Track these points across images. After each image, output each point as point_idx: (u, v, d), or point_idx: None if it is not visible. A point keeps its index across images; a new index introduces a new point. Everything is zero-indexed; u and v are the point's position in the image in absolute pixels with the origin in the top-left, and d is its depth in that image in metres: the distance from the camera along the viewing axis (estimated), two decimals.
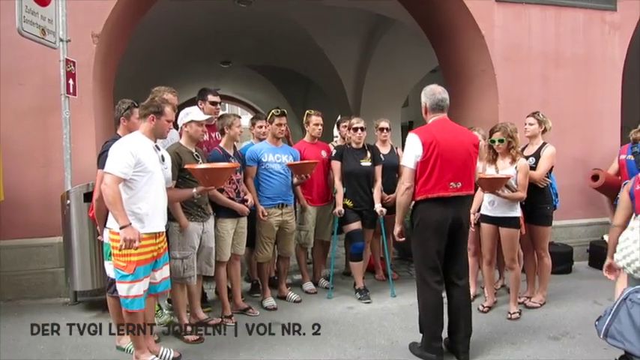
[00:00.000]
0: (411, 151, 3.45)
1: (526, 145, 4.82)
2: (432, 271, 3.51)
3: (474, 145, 3.55)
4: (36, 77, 4.94)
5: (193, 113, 3.95)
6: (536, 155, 4.65)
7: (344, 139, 5.46)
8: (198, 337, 3.94)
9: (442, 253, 3.53)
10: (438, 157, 3.37)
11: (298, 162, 4.82)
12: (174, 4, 7.39)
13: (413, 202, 3.59)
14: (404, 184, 3.56)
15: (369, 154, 5.10)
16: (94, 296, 4.85)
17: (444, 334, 3.63)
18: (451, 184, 3.41)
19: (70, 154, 4.75)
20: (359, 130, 5.07)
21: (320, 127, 5.20)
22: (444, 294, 3.62)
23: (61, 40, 4.70)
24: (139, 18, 5.99)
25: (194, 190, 3.74)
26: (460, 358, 3.57)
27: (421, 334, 3.67)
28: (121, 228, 3.08)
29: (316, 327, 4.22)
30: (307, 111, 5.32)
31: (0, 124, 4.84)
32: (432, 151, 3.38)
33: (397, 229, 3.77)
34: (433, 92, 3.58)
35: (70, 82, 4.72)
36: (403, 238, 3.81)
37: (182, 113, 3.96)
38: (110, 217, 3.28)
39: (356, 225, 4.99)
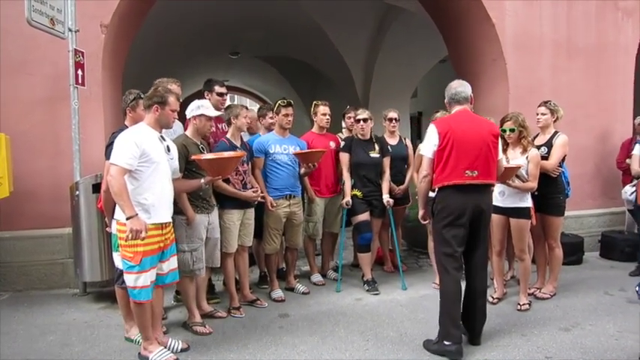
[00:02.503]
0: (429, 141, 3.59)
1: (537, 135, 4.76)
2: (450, 258, 3.56)
3: (493, 135, 3.60)
4: (45, 67, 4.94)
5: (205, 107, 3.92)
6: (549, 144, 4.60)
7: (350, 130, 5.42)
8: (208, 331, 3.93)
9: (461, 241, 3.57)
10: (454, 145, 3.46)
11: (305, 150, 4.79)
12: None
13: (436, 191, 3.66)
14: (422, 172, 3.70)
15: (377, 146, 5.06)
16: (103, 287, 4.88)
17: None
18: (467, 172, 3.47)
19: (79, 145, 4.76)
20: (361, 121, 5.04)
21: (328, 117, 5.16)
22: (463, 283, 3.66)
23: (70, 30, 4.69)
24: (147, 8, 5.96)
25: (202, 180, 3.73)
26: (473, 341, 3.66)
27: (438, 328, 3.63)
28: (127, 219, 3.08)
29: (324, 319, 4.21)
30: (315, 102, 5.29)
31: (9, 115, 4.86)
32: (448, 140, 3.48)
33: (421, 212, 3.91)
34: (449, 87, 3.72)
35: (79, 72, 4.72)
36: (427, 221, 3.93)
37: (193, 105, 3.92)
38: (117, 208, 3.28)
39: (364, 216, 4.97)
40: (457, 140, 3.47)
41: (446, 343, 3.49)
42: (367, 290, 4.92)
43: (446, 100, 3.74)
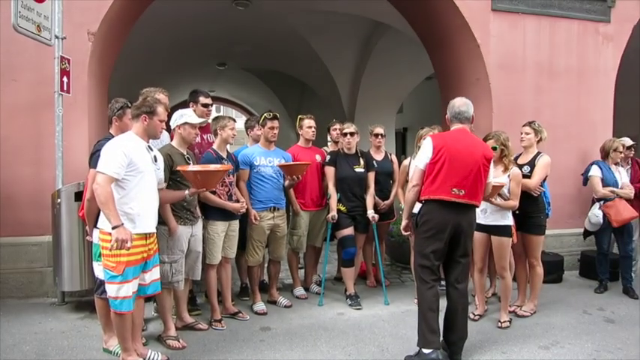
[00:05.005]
0: (424, 153, 3.67)
1: (520, 154, 4.85)
2: (427, 270, 3.62)
3: (485, 158, 3.66)
4: (30, 74, 4.90)
5: (188, 115, 3.92)
6: (531, 164, 4.68)
7: (336, 143, 5.45)
8: (181, 345, 3.87)
9: (439, 255, 3.62)
10: (446, 161, 3.53)
11: (289, 163, 4.80)
12: (170, 5, 7.37)
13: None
14: (412, 182, 3.76)
15: (362, 161, 5.10)
16: (82, 297, 4.80)
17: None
18: (454, 189, 3.52)
19: (62, 152, 4.71)
20: (348, 135, 5.08)
21: (313, 129, 5.18)
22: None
23: (57, 37, 4.66)
24: (135, 17, 5.96)
25: (186, 191, 3.72)
26: (453, 358, 3.66)
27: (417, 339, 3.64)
28: (113, 228, 3.06)
29: (306, 333, 4.20)
30: (299, 115, 5.31)
31: None
32: (441, 155, 3.55)
33: (403, 223, 3.97)
34: (452, 105, 3.80)
35: (65, 79, 4.68)
36: (408, 232, 4.00)
37: (176, 115, 3.93)
38: (101, 217, 3.25)
39: (348, 231, 4.99)
40: (450, 157, 3.53)
41: (425, 351, 3.50)
42: (350, 305, 4.92)
43: (448, 116, 3.81)
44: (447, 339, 3.72)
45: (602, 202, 5.39)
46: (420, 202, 3.71)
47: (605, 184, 5.42)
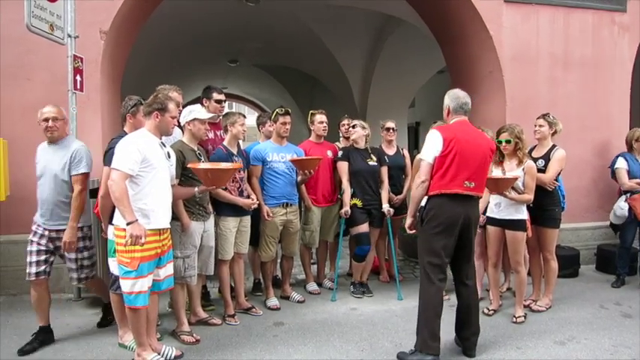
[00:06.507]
0: (432, 146, 3.51)
1: (534, 147, 4.79)
2: (437, 268, 3.52)
3: (490, 149, 3.63)
4: (44, 73, 4.95)
5: (196, 111, 3.94)
6: (546, 158, 4.62)
7: (346, 138, 5.44)
8: (195, 339, 3.90)
9: (449, 252, 3.55)
10: (457, 154, 3.43)
11: (301, 157, 4.80)
12: (181, 2, 7.39)
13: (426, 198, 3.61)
14: (420, 177, 3.58)
15: (373, 156, 5.09)
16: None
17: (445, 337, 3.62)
18: (465, 182, 3.46)
19: None
20: (351, 128, 5.17)
21: (325, 125, 5.18)
22: (449, 295, 3.64)
23: (69, 36, 4.69)
24: (146, 16, 5.99)
25: (196, 189, 3.74)
26: (467, 353, 3.65)
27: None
28: (127, 224, 3.09)
29: (319, 328, 4.20)
30: (311, 111, 5.31)
31: (7, 120, 4.85)
32: (452, 147, 3.43)
33: (408, 221, 3.80)
34: (457, 96, 3.69)
35: (78, 78, 4.72)
36: (414, 230, 3.82)
37: (185, 111, 3.95)
38: (115, 213, 3.28)
39: (364, 227, 4.97)
40: (460, 149, 3.44)
41: (425, 356, 3.45)
42: (352, 292, 5.05)
43: (452, 107, 3.68)
44: (461, 335, 3.71)
45: (628, 195, 5.32)
46: (427, 196, 3.59)
47: (631, 175, 5.37)
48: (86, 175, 3.84)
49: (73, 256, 3.88)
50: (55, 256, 3.91)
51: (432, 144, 3.51)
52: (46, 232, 3.81)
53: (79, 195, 3.74)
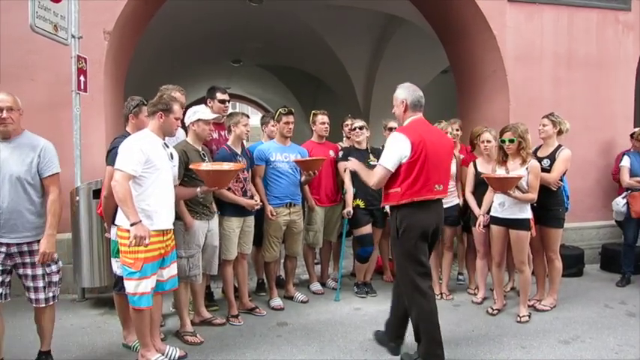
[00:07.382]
0: (397, 151, 3.26)
1: (539, 147, 4.77)
2: (424, 276, 3.39)
3: (452, 148, 3.59)
4: (47, 73, 4.96)
5: (201, 112, 3.94)
6: (552, 157, 4.60)
7: (349, 138, 5.43)
8: (199, 340, 3.89)
9: (427, 255, 3.47)
10: (426, 158, 3.23)
11: (305, 158, 4.79)
12: (185, 3, 7.40)
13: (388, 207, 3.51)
14: (369, 182, 3.45)
15: (373, 156, 5.07)
16: (102, 293, 4.87)
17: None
18: (435, 186, 3.32)
19: (80, 151, 4.77)
20: (357, 129, 5.10)
21: (326, 125, 5.17)
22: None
23: (73, 36, 4.71)
24: (150, 16, 6.00)
25: (198, 189, 3.74)
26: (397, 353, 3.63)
27: (417, 343, 3.52)
28: (131, 225, 3.09)
29: (323, 328, 4.20)
30: (313, 111, 5.31)
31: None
32: (421, 152, 3.22)
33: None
34: (414, 89, 3.46)
35: (81, 78, 4.74)
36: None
37: (190, 112, 3.95)
38: (118, 214, 3.29)
39: (367, 229, 4.97)
40: (429, 152, 3.23)
41: None
42: (355, 292, 5.08)
43: (409, 101, 3.40)
44: (399, 333, 3.67)
45: (628, 192, 5.36)
46: (394, 206, 3.39)
47: (633, 174, 5.43)
48: (59, 176, 3.32)
49: (40, 271, 3.22)
50: (11, 275, 3.26)
51: (398, 149, 3.26)
52: (3, 248, 3.12)
53: (57, 198, 3.21)
